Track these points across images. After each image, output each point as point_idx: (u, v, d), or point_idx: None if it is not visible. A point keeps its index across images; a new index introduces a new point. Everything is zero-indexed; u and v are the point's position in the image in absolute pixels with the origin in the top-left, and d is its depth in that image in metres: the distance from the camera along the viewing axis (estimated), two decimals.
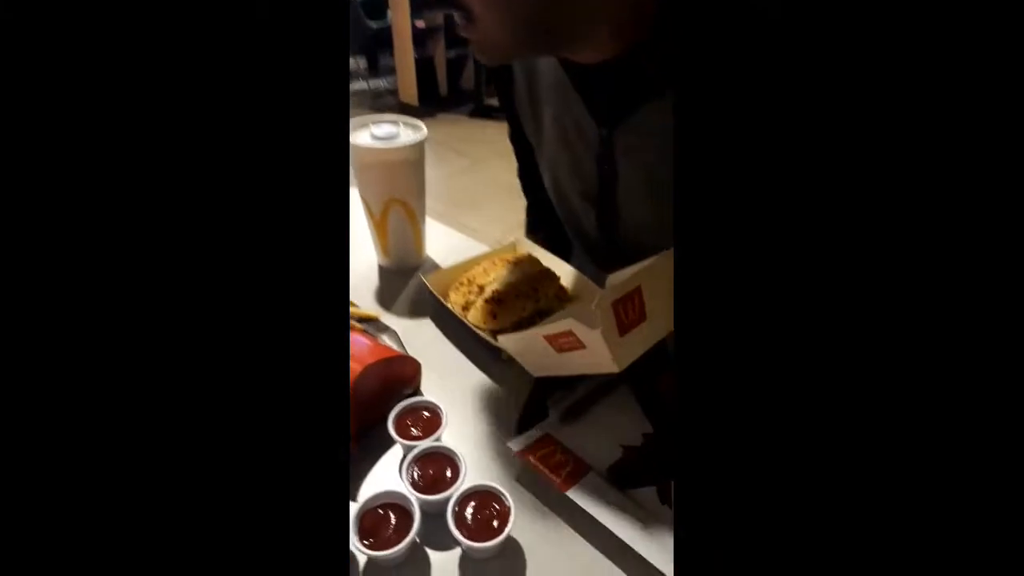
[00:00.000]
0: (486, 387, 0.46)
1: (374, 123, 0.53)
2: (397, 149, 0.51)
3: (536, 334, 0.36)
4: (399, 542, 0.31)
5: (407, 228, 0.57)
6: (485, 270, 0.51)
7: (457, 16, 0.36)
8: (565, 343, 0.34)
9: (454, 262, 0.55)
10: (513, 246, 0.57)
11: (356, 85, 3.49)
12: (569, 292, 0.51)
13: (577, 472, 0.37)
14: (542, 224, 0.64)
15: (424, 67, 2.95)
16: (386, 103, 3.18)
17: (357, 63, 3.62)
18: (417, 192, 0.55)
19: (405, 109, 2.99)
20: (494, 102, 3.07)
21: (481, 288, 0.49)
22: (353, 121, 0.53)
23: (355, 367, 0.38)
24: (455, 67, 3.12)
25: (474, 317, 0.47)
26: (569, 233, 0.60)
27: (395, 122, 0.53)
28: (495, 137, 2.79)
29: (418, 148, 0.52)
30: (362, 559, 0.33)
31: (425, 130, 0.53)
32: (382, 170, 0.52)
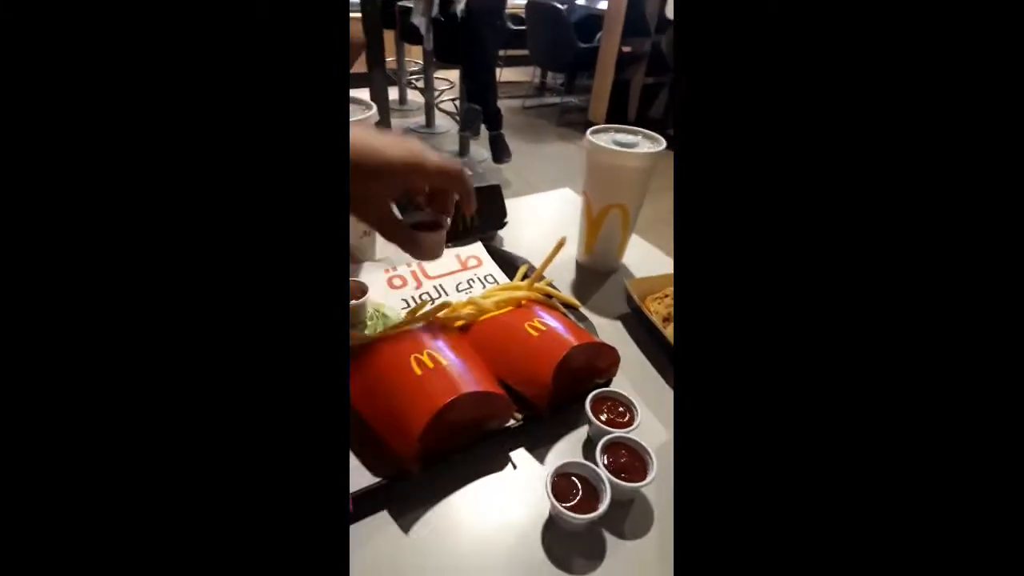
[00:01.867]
0: (669, 399, 0.46)
1: (616, 131, 0.57)
2: (634, 155, 0.53)
3: None
4: (587, 512, 0.33)
5: (618, 232, 0.59)
6: None
7: None
8: None
9: (646, 273, 0.56)
10: None
11: (550, 99, 3.71)
12: None
13: None
14: None
15: (618, 90, 3.00)
16: (574, 119, 3.31)
17: (555, 79, 3.84)
18: (639, 200, 0.57)
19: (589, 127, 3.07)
20: None
21: None
22: (594, 128, 0.57)
23: (564, 345, 0.41)
24: (649, 94, 3.12)
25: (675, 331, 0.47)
26: None
27: (635, 132, 0.56)
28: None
29: (652, 159, 0.54)
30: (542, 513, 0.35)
31: (664, 144, 0.55)
32: (615, 173, 0.55)
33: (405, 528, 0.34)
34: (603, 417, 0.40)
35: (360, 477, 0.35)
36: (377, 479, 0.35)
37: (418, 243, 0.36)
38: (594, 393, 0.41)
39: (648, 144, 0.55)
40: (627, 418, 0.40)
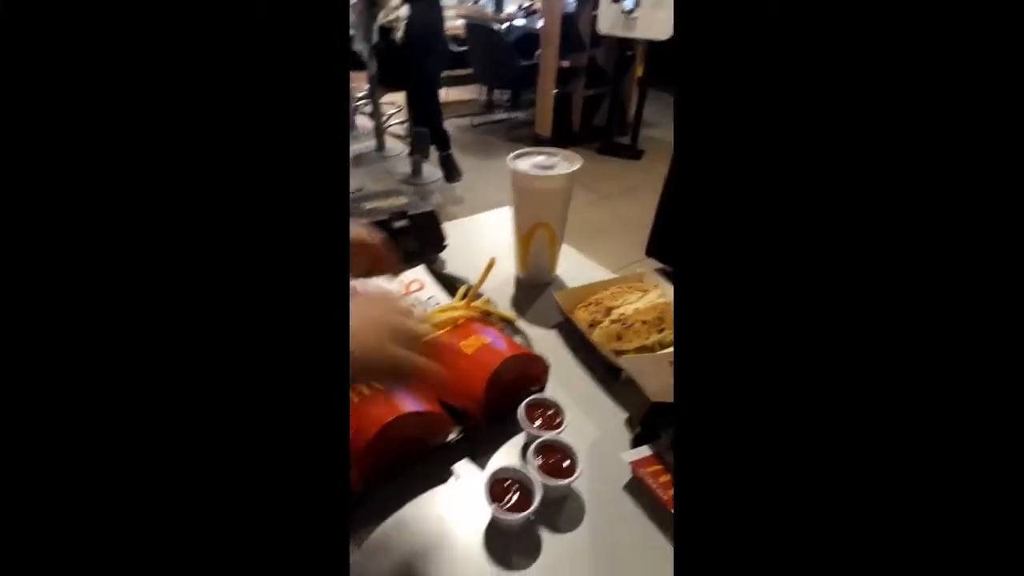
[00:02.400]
0: (602, 401, 0.50)
1: (536, 153, 0.61)
2: (551, 177, 0.58)
3: (663, 358, 0.40)
4: (522, 511, 0.36)
5: (546, 248, 0.63)
6: (613, 295, 0.55)
7: None
8: None
9: (580, 282, 0.61)
10: (641, 276, 0.61)
11: (497, 116, 3.79)
12: None
13: None
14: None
15: (561, 103, 3.11)
16: (522, 134, 3.40)
17: (501, 96, 3.93)
18: (562, 218, 0.61)
19: (539, 141, 3.16)
20: (624, 140, 3.12)
21: (608, 310, 0.53)
22: (516, 153, 0.61)
23: (497, 358, 0.44)
24: (590, 105, 3.25)
25: (599, 336, 0.51)
26: None
27: (554, 154, 0.61)
28: (621, 174, 2.83)
29: (570, 178, 0.59)
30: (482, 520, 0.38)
31: (579, 163, 0.60)
32: (536, 195, 0.59)
33: (354, 547, 0.37)
34: (537, 423, 0.43)
35: None
36: None
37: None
38: (527, 400, 0.44)
39: (566, 164, 0.60)
40: (558, 421, 0.43)
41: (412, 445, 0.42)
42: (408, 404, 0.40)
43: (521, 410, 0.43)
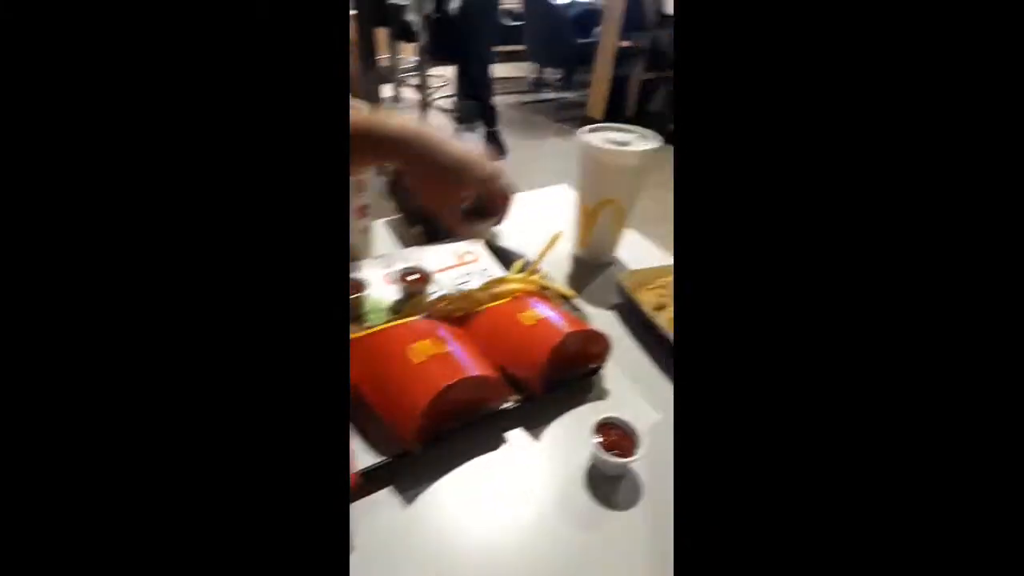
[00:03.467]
0: (662, 384, 0.48)
1: (608, 129, 0.59)
2: (626, 153, 0.56)
3: None
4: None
5: (612, 226, 0.61)
6: None
7: None
8: None
9: (640, 266, 0.59)
10: None
11: (546, 95, 3.71)
12: None
13: None
14: None
15: (617, 85, 3.02)
16: (571, 115, 3.32)
17: (553, 74, 3.84)
18: (633, 197, 0.59)
19: (588, 123, 3.08)
20: None
21: None
22: (591, 127, 0.59)
23: (559, 331, 0.44)
24: (647, 89, 3.14)
25: (667, 320, 0.50)
26: None
27: (630, 130, 0.59)
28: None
29: (645, 156, 0.56)
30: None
31: (660, 142, 0.57)
32: (608, 171, 0.57)
33: (407, 502, 0.37)
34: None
35: (366, 456, 0.38)
36: (382, 458, 0.38)
37: (475, 231, 0.50)
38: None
39: (642, 142, 0.58)
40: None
41: (470, 408, 0.42)
42: (469, 368, 0.39)
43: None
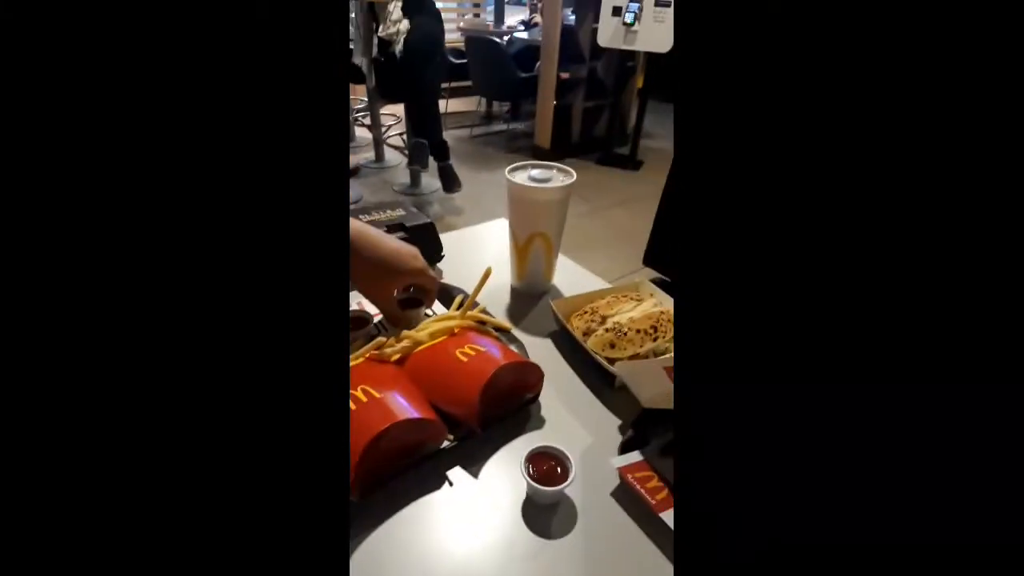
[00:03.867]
0: (595, 408, 0.50)
1: (532, 167, 0.62)
2: (548, 190, 0.59)
3: (657, 364, 0.40)
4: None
5: (543, 258, 0.64)
6: (609, 303, 0.56)
7: None
8: None
9: (575, 292, 0.62)
10: (636, 286, 0.62)
11: (496, 127, 3.82)
12: None
13: (671, 500, 0.39)
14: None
15: (561, 114, 3.15)
16: (521, 145, 3.43)
17: (501, 107, 3.97)
18: (558, 229, 0.63)
19: (538, 152, 3.19)
20: (623, 151, 3.15)
21: (604, 319, 0.54)
22: (513, 166, 0.63)
23: (492, 365, 0.45)
24: (590, 116, 3.28)
25: (594, 343, 0.52)
26: None
27: (550, 167, 0.62)
28: (620, 185, 2.85)
29: (566, 191, 0.60)
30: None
31: (574, 177, 0.61)
32: (533, 207, 0.61)
33: (350, 551, 0.37)
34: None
35: None
36: None
37: (409, 319, 0.55)
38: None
39: (561, 178, 0.61)
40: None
41: (407, 452, 0.42)
42: (403, 411, 0.40)
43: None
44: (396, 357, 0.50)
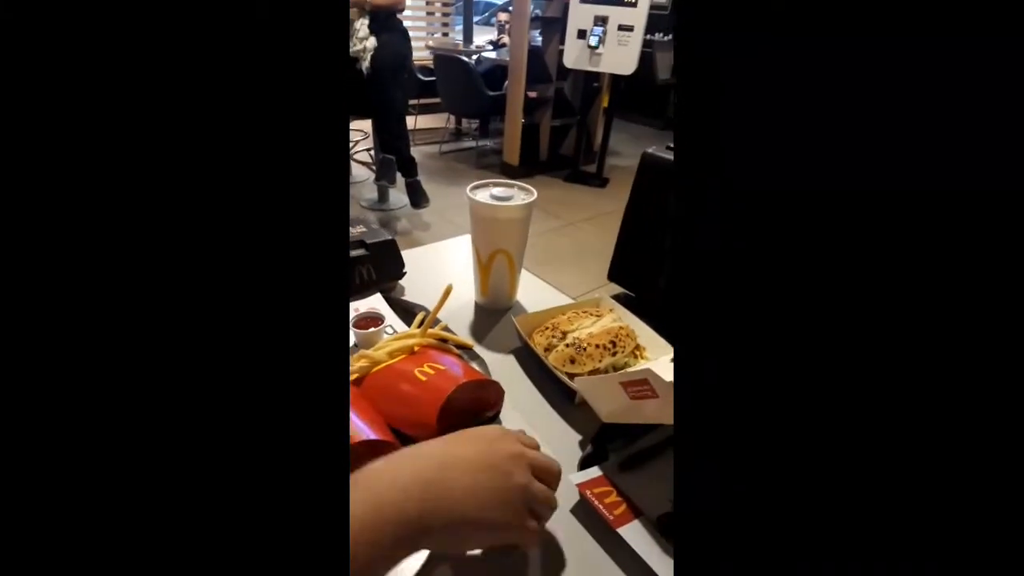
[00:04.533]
0: (556, 423, 0.51)
1: (494, 185, 0.63)
2: (510, 208, 0.60)
3: (613, 379, 0.41)
4: None
5: (506, 274, 0.65)
6: (569, 319, 0.57)
7: None
8: (639, 391, 0.39)
9: (539, 308, 0.62)
10: (597, 301, 0.63)
11: (465, 144, 3.86)
12: (645, 351, 0.55)
13: (629, 514, 0.40)
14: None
15: (529, 132, 3.20)
16: (490, 162, 3.47)
17: (470, 124, 4.01)
18: (520, 246, 0.63)
19: (507, 168, 3.23)
20: (590, 168, 3.23)
21: (564, 334, 0.55)
22: (474, 184, 0.63)
23: (450, 384, 0.45)
24: (558, 134, 3.35)
25: (554, 359, 0.53)
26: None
27: (511, 185, 0.63)
28: (588, 202, 2.91)
29: (527, 208, 0.61)
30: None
31: (535, 195, 0.62)
32: (495, 224, 0.61)
33: None
34: None
35: None
36: None
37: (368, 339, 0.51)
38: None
39: (522, 196, 0.62)
40: None
41: None
42: (359, 433, 0.39)
43: None
44: (354, 377, 0.49)
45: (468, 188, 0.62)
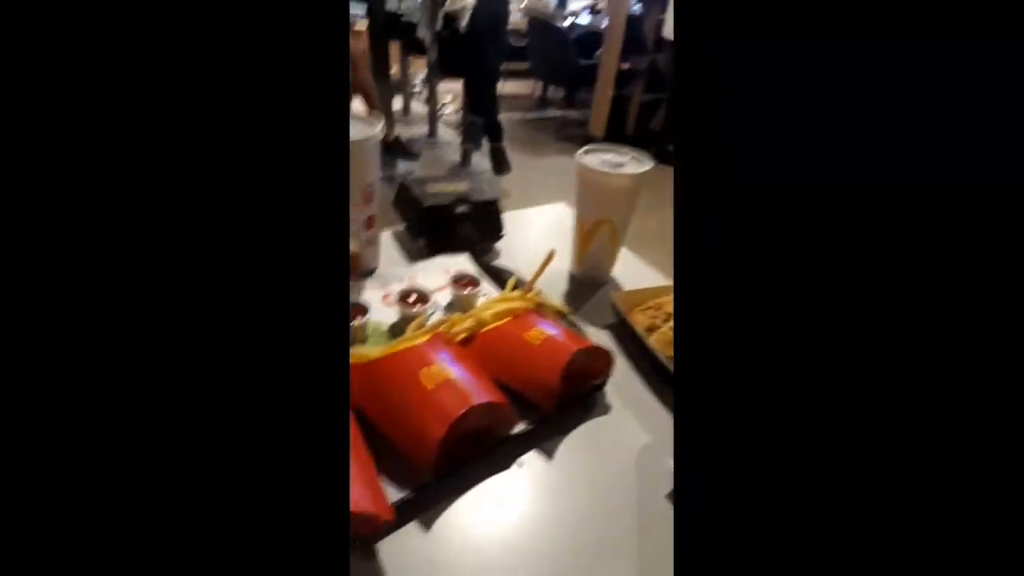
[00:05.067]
0: (653, 406, 0.49)
1: (605, 150, 0.60)
2: (620, 176, 0.57)
3: None
4: None
5: (607, 246, 0.62)
6: (674, 300, 0.54)
7: None
8: None
9: (635, 286, 0.59)
10: None
11: (550, 112, 3.77)
12: None
13: None
14: None
15: (617, 105, 3.07)
16: (573, 133, 3.37)
17: (556, 93, 3.91)
18: (626, 217, 0.61)
19: (590, 141, 3.12)
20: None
21: (669, 316, 0.52)
22: (585, 148, 0.61)
23: (566, 350, 0.44)
24: (647, 109, 3.18)
25: (656, 341, 0.50)
26: None
27: (624, 152, 0.60)
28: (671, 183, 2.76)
29: (639, 179, 0.58)
30: None
31: (650, 165, 0.59)
32: (603, 192, 0.59)
33: (430, 531, 0.37)
34: None
35: (390, 489, 0.37)
36: (405, 492, 0.37)
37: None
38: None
39: (635, 165, 0.59)
40: None
41: (479, 436, 0.41)
42: (479, 395, 0.39)
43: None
44: (462, 336, 0.49)
45: (578, 152, 0.60)
